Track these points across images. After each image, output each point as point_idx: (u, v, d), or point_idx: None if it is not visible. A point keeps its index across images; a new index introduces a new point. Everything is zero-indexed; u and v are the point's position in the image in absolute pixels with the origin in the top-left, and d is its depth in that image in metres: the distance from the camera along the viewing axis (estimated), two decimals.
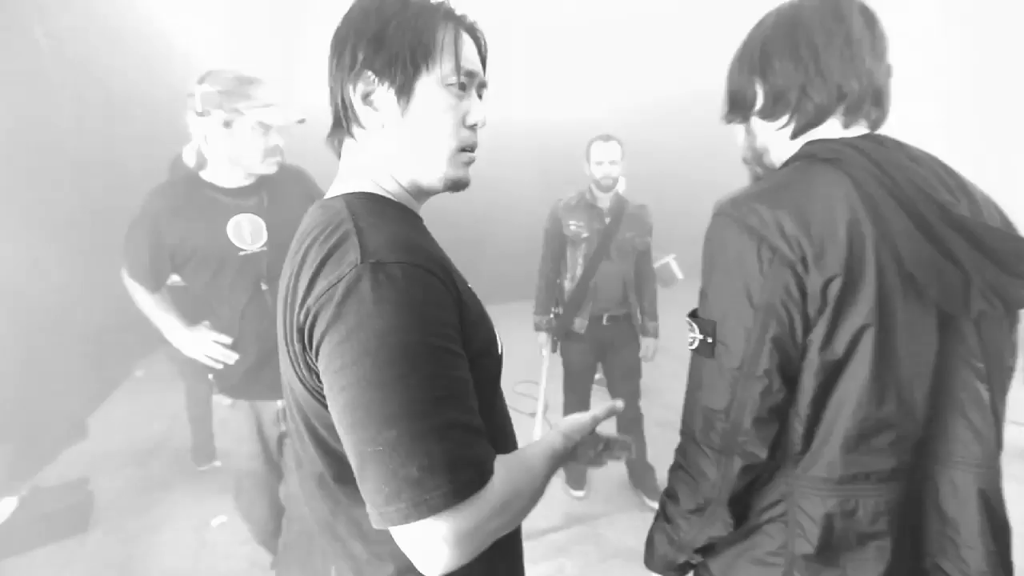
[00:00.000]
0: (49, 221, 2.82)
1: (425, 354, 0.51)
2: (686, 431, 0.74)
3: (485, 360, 0.64)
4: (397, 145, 0.65)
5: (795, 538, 0.69)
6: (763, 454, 0.67)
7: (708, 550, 0.77)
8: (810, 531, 0.68)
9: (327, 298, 0.52)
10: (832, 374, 0.65)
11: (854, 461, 0.67)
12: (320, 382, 0.56)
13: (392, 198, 0.67)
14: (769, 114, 0.74)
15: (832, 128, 0.71)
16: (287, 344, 0.60)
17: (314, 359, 0.55)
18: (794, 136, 0.73)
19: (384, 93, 0.63)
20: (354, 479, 0.55)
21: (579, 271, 2.36)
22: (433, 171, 0.66)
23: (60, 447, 2.86)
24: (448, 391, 0.52)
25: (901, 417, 0.66)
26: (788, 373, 0.65)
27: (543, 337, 2.45)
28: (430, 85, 0.63)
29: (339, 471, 0.62)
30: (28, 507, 2.20)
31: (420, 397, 0.50)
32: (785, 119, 0.73)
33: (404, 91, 0.62)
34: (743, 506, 0.72)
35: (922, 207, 0.62)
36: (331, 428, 0.58)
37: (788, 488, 0.70)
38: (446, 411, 0.51)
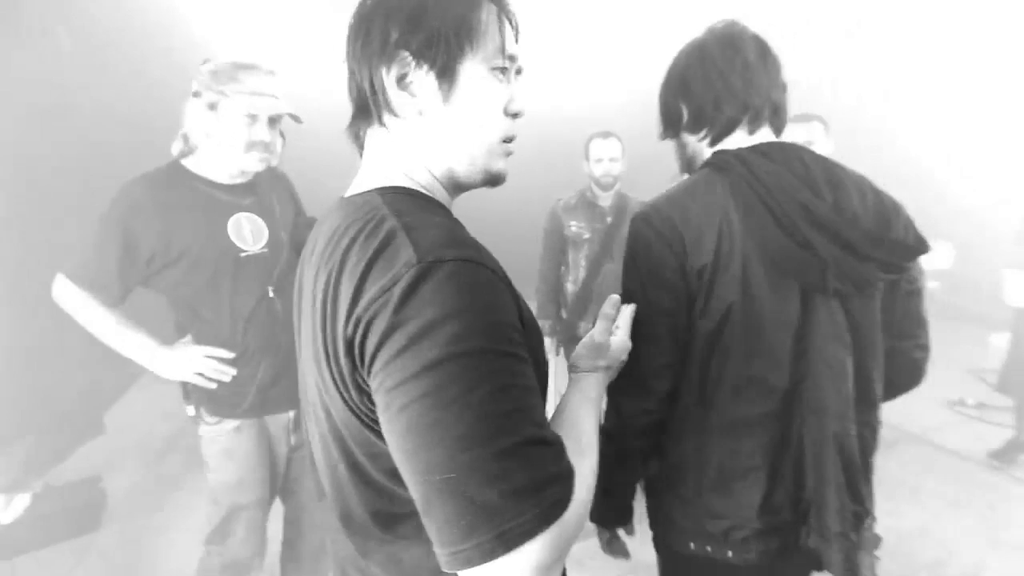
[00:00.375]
0: (66, 217, 2.87)
1: (495, 363, 0.45)
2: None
3: (537, 367, 0.58)
4: (436, 134, 0.59)
5: (700, 473, 0.87)
6: (654, 405, 0.86)
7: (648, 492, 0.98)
8: (707, 466, 0.86)
9: (380, 305, 0.46)
10: (713, 339, 0.83)
11: (734, 408, 0.84)
12: (372, 404, 0.49)
13: (426, 192, 0.61)
14: (693, 128, 0.91)
15: (741, 135, 0.88)
16: (328, 361, 0.52)
17: (366, 377, 0.49)
18: (712, 144, 0.90)
19: (423, 77, 0.57)
20: (397, 514, 0.50)
21: (582, 273, 2.29)
22: (474, 163, 0.61)
23: (76, 443, 2.94)
24: (522, 403, 0.47)
25: (768, 373, 0.82)
26: (678, 338, 0.84)
27: (546, 342, 2.39)
28: (474, 68, 0.58)
29: (379, 505, 0.56)
30: (40, 504, 2.26)
31: (493, 413, 0.44)
32: (705, 131, 0.90)
33: (446, 74, 0.57)
34: (655, 450, 0.92)
35: (785, 207, 0.78)
36: (375, 457, 0.53)
37: (695, 433, 0.87)
38: (522, 426, 0.45)
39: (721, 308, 0.81)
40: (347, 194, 0.63)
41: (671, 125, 0.94)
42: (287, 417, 1.45)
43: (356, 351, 0.49)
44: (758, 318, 0.81)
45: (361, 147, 0.65)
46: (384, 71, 0.57)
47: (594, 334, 0.78)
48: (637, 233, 0.86)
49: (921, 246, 0.82)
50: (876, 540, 1.95)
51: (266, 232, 1.35)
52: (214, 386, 1.32)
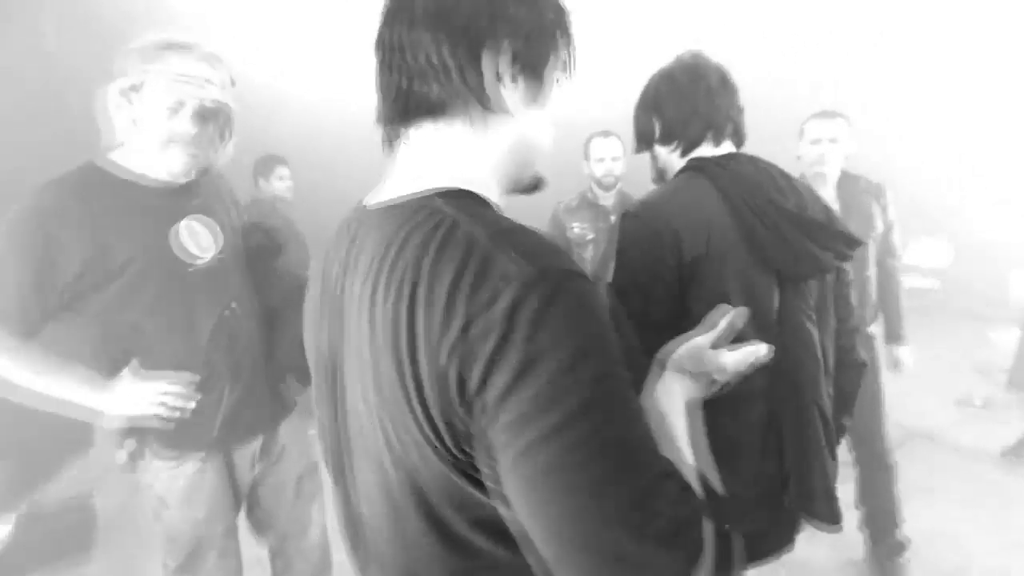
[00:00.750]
0: None
1: (623, 390, 0.42)
2: None
3: None
4: (513, 136, 0.55)
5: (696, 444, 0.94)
6: None
7: None
8: (711, 442, 0.94)
9: (484, 329, 0.40)
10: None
11: (735, 385, 0.90)
12: (471, 447, 0.43)
13: (483, 196, 0.55)
14: (664, 141, 1.04)
15: (706, 148, 1.01)
16: (408, 398, 0.45)
17: (469, 415, 0.42)
18: (682, 155, 1.02)
19: (518, 73, 0.53)
20: (477, 568, 0.47)
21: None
22: (531, 168, 0.59)
23: (63, 459, 2.84)
24: (649, 432, 0.43)
25: None
26: (668, 325, 0.86)
27: None
28: (553, 74, 0.57)
29: (458, 562, 0.49)
30: (26, 528, 2.16)
31: (634, 443, 0.41)
32: (675, 144, 1.03)
33: (540, 76, 0.55)
34: None
35: (761, 203, 0.91)
36: (461, 507, 0.47)
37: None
38: (658, 454, 0.42)
39: (716, 294, 0.89)
40: (381, 199, 0.55)
41: (645, 139, 1.08)
42: (254, 446, 1.30)
43: (456, 385, 0.42)
44: (749, 301, 0.90)
45: (392, 142, 0.57)
46: (490, 57, 0.51)
47: (704, 340, 0.66)
48: (630, 229, 0.96)
49: (858, 240, 0.99)
50: (902, 545, 1.91)
51: (219, 238, 1.20)
52: (176, 417, 1.13)
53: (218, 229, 1.20)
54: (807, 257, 0.91)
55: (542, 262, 0.41)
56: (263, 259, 1.34)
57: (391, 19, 0.52)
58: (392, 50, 0.52)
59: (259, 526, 1.41)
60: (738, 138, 1.04)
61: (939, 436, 2.98)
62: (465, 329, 0.41)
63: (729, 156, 0.98)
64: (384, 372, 0.46)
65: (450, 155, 0.54)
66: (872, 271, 1.94)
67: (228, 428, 1.21)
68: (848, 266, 1.05)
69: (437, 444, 0.45)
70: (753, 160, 0.98)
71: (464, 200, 0.51)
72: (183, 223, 1.15)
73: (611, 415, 0.40)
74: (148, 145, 1.10)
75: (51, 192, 1.05)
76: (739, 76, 1.03)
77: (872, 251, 1.93)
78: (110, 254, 1.06)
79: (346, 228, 0.58)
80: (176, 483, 1.19)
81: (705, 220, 0.92)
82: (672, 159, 1.04)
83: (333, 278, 0.57)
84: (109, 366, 1.12)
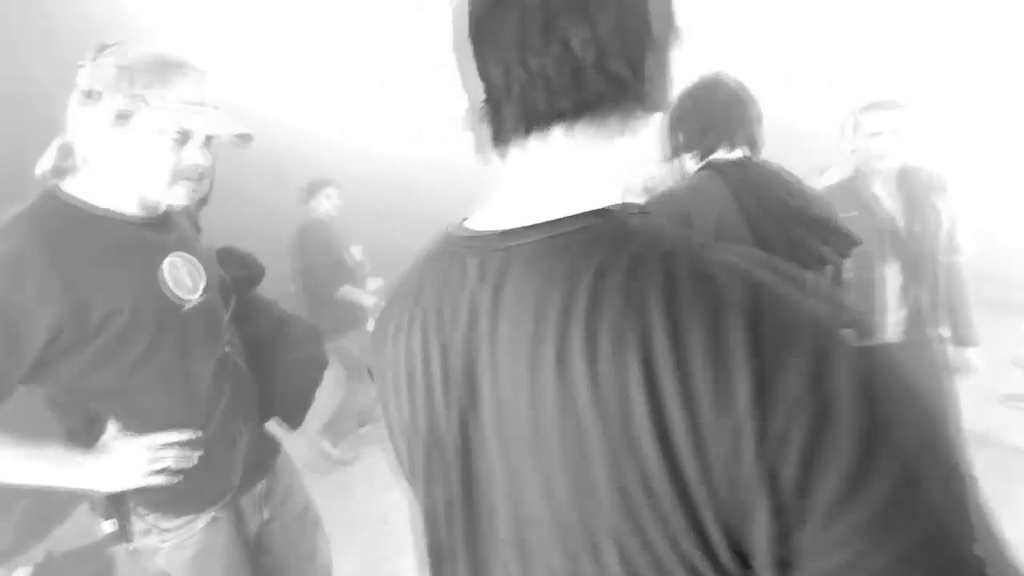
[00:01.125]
0: None
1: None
2: None
3: None
4: (646, 139, 0.50)
5: None
6: None
7: None
8: None
9: (816, 414, 0.31)
10: None
11: None
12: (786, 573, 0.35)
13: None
14: (686, 149, 1.21)
15: (722, 153, 1.16)
16: (686, 513, 0.34)
17: (807, 528, 0.32)
18: (701, 159, 1.18)
19: None
20: None
21: None
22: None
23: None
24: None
25: None
26: None
27: None
28: None
29: None
30: None
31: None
32: (694, 151, 1.19)
33: None
34: None
35: (766, 199, 1.05)
36: None
37: None
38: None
39: None
40: (516, 222, 0.44)
41: (673, 149, 1.24)
42: (257, 489, 1.19)
43: (792, 493, 0.31)
44: None
45: (511, 148, 0.47)
46: (656, 53, 0.44)
47: None
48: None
49: (857, 239, 1.07)
50: None
51: (204, 273, 1.07)
52: (178, 479, 0.99)
53: (200, 265, 1.06)
54: (806, 248, 1.02)
55: (840, 302, 0.34)
56: (242, 289, 1.22)
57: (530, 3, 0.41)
58: (540, 35, 0.40)
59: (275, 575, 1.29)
60: (752, 145, 1.17)
61: (996, 438, 2.86)
62: (792, 414, 0.31)
63: (741, 159, 1.13)
64: (637, 475, 0.35)
65: (602, 163, 0.45)
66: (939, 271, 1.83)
67: (244, 479, 1.11)
68: (847, 263, 1.14)
69: (733, 570, 0.35)
70: (762, 164, 1.13)
71: (652, 220, 0.42)
72: (167, 262, 1.00)
73: (963, 497, 0.32)
74: (146, 181, 0.94)
75: (6, 243, 0.84)
76: (753, 73, 1.13)
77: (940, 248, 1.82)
78: (86, 311, 0.88)
79: (461, 262, 0.47)
80: (184, 553, 1.04)
81: (714, 208, 1.05)
82: (693, 165, 1.20)
83: (455, 325, 0.46)
84: (68, 439, 0.98)
